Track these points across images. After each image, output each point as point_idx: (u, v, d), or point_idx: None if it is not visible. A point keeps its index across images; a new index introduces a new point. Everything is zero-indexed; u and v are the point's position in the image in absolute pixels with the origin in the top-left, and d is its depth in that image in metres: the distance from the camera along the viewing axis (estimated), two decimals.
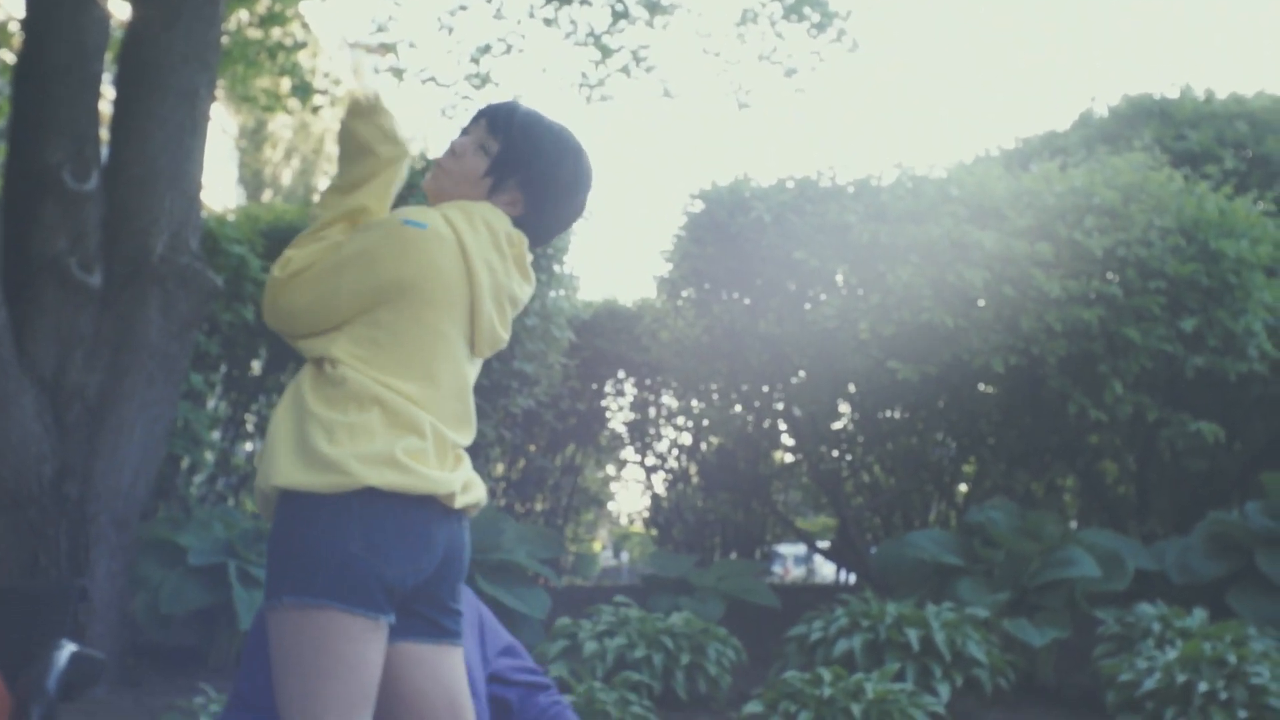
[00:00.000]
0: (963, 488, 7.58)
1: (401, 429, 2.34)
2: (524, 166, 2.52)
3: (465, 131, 2.56)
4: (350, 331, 2.41)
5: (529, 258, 2.56)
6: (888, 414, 7.20)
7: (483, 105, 2.60)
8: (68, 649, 3.28)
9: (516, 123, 2.53)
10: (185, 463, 6.70)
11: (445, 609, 2.46)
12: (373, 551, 2.28)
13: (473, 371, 2.54)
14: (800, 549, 11.25)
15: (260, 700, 2.81)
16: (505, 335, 2.54)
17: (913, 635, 4.88)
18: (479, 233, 2.46)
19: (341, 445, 2.28)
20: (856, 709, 4.42)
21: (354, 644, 2.28)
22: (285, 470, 2.30)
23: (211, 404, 6.97)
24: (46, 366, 5.15)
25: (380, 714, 2.44)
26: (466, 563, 2.48)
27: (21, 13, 5.64)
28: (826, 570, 9.70)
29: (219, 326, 6.37)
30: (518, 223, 2.56)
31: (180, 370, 5.45)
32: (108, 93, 5.54)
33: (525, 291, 2.57)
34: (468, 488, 2.44)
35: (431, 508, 2.35)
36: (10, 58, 6.79)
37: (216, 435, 7.03)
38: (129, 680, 5.24)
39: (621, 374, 8.27)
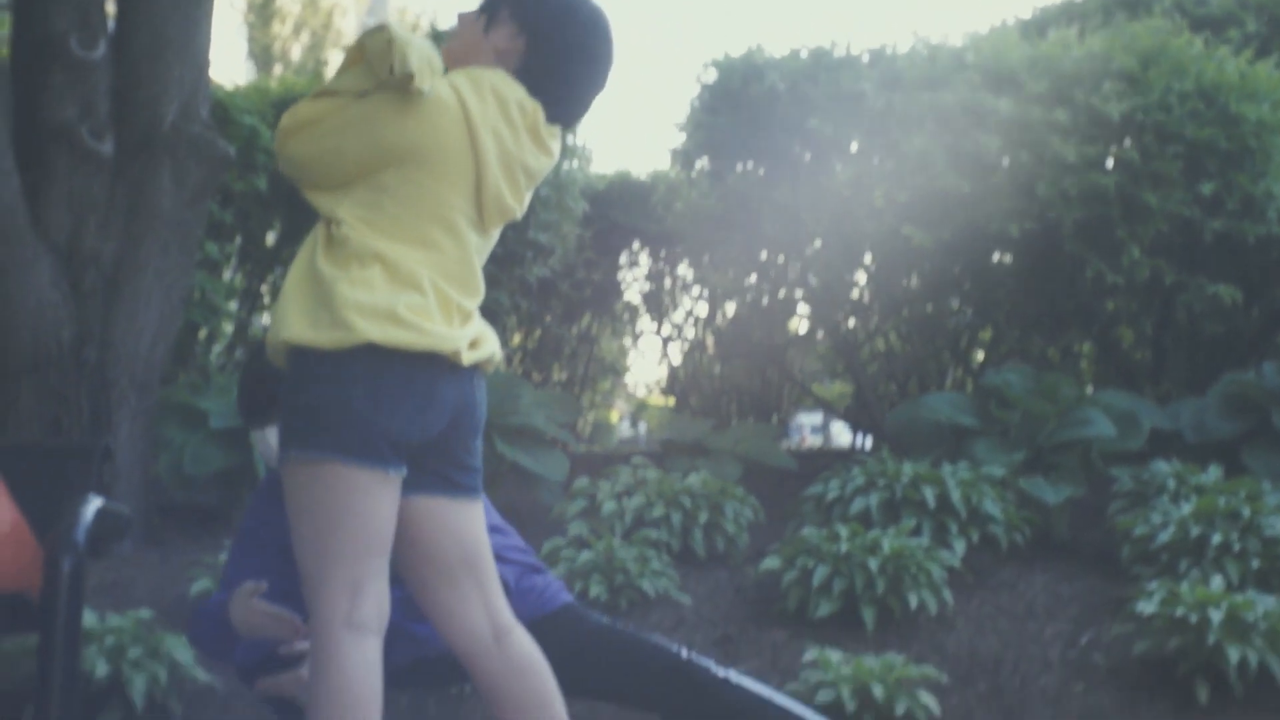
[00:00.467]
0: (979, 354, 7.59)
1: (402, 284, 2.36)
2: None
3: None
4: (355, 193, 2.43)
5: (545, 128, 2.54)
6: (903, 282, 7.19)
7: None
8: (95, 503, 3.33)
9: None
10: (203, 333, 6.75)
11: (460, 464, 2.51)
12: (375, 406, 2.33)
13: (483, 243, 2.53)
14: (816, 419, 11.29)
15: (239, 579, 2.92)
16: (517, 206, 2.53)
17: (929, 493, 4.93)
18: (486, 101, 2.45)
19: (343, 302, 2.31)
20: (873, 563, 4.49)
21: (360, 496, 2.34)
22: (292, 326, 2.35)
23: (227, 275, 7.01)
24: (60, 233, 5.18)
25: (400, 566, 2.49)
26: (481, 420, 2.53)
27: None
28: (843, 440, 9.74)
29: (232, 197, 6.37)
30: (532, 88, 2.52)
31: (195, 239, 5.49)
32: None
33: (541, 163, 2.55)
34: (477, 344, 2.47)
35: (437, 364, 2.39)
36: None
37: (234, 306, 7.07)
38: (154, 539, 5.33)
39: (636, 245, 8.26)
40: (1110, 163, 5.93)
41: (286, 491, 2.41)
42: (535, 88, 2.52)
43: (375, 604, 2.39)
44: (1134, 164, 5.88)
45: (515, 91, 2.49)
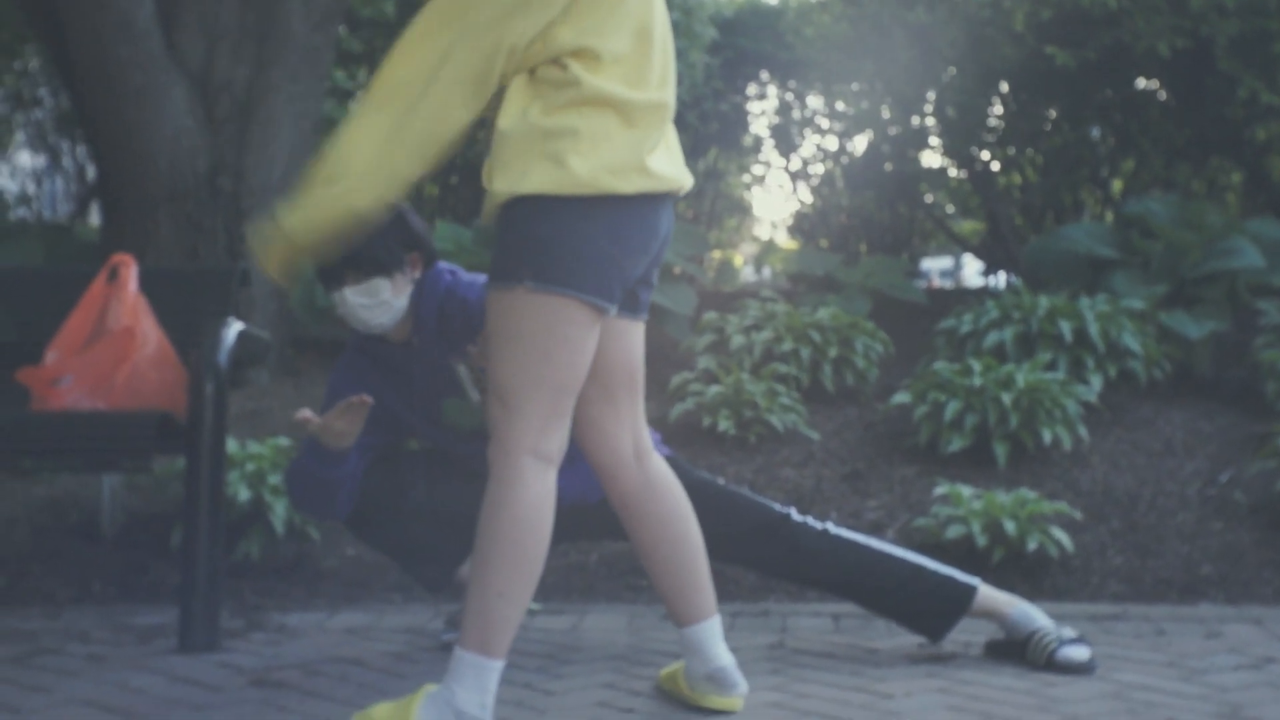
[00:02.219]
0: (1119, 187, 7.34)
1: (632, 127, 2.42)
2: None
3: None
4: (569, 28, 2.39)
5: None
6: (1042, 110, 6.94)
7: None
8: (235, 326, 3.40)
9: None
10: None
11: (649, 285, 2.63)
12: (619, 246, 2.42)
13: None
14: (946, 262, 11.10)
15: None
16: None
17: (1065, 327, 4.81)
18: None
19: (588, 158, 2.36)
20: (1007, 398, 4.40)
21: (581, 330, 2.42)
22: (531, 179, 2.36)
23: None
24: (195, 59, 5.20)
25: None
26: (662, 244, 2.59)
27: None
28: (974, 283, 9.57)
29: (360, 23, 6.33)
30: None
31: (324, 64, 5.45)
32: None
33: None
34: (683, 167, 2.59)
35: (664, 200, 2.50)
36: None
37: None
38: (289, 369, 5.44)
39: (765, 76, 8.07)
40: None
41: (500, 318, 2.44)
42: None
43: (560, 439, 2.47)
44: None
45: None
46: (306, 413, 2.84)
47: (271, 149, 5.28)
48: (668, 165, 2.50)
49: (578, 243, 2.38)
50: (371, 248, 2.88)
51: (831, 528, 3.15)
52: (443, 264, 3.03)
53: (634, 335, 2.65)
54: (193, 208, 5.13)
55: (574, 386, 2.46)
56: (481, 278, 2.94)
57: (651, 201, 2.46)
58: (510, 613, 2.41)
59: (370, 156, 2.38)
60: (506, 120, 2.39)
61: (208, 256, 5.12)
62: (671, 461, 3.07)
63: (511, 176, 2.38)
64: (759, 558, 3.18)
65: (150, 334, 3.46)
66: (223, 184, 5.18)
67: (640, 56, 2.45)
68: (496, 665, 2.42)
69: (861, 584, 3.13)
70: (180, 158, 5.10)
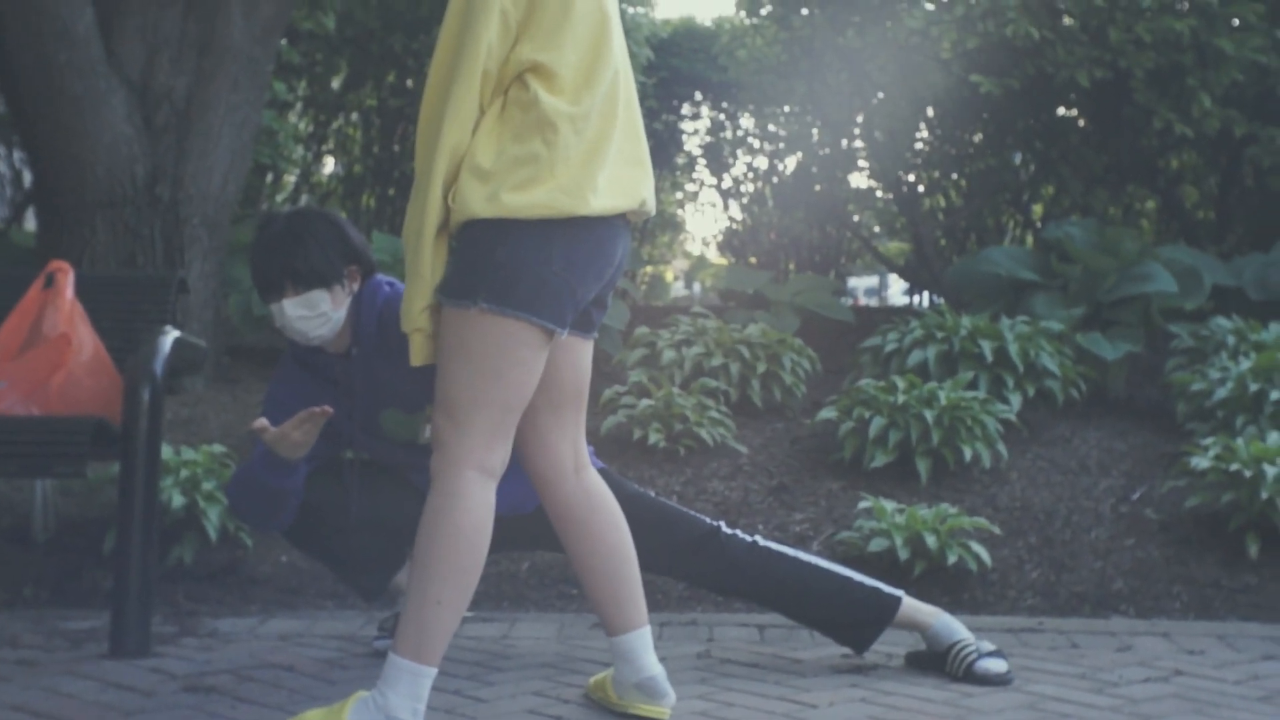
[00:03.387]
0: (1040, 211, 7.53)
1: (591, 146, 2.48)
2: None
3: None
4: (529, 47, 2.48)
5: None
6: (967, 135, 7.12)
7: None
8: (172, 334, 3.43)
9: None
10: (269, 176, 6.81)
11: (602, 306, 2.69)
12: (572, 270, 2.48)
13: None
14: (872, 281, 11.28)
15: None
16: None
17: (986, 347, 4.95)
18: None
19: (547, 182, 2.44)
20: (929, 415, 4.52)
21: (532, 351, 2.50)
22: (499, 204, 2.43)
23: (293, 119, 7.03)
24: (134, 67, 5.20)
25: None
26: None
27: None
28: (899, 301, 9.73)
29: (300, 36, 6.35)
30: None
31: (264, 75, 5.47)
32: None
33: None
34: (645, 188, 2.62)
35: (619, 223, 2.56)
36: None
37: (300, 150, 7.10)
38: (225, 378, 5.45)
39: (698, 95, 8.19)
40: (1186, 6, 5.80)
41: (453, 334, 2.49)
42: None
43: (503, 454, 2.55)
44: (1211, 8, 5.74)
45: None
46: (263, 422, 2.86)
47: (211, 158, 5.29)
48: (626, 187, 2.54)
49: (533, 266, 2.44)
50: (310, 260, 2.92)
51: (760, 541, 3.23)
52: (380, 276, 3.07)
53: (584, 352, 2.72)
54: (130, 215, 5.13)
55: (520, 405, 2.54)
56: None
57: (607, 224, 2.51)
58: (446, 621, 2.47)
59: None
60: (486, 159, 2.45)
61: (145, 264, 5.12)
62: (604, 474, 3.14)
63: (476, 199, 2.43)
64: (690, 569, 3.25)
65: (86, 340, 3.48)
66: (161, 192, 5.19)
67: (594, 71, 2.51)
68: (430, 672, 2.47)
69: (789, 596, 3.21)
70: (118, 165, 5.10)
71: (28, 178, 7.01)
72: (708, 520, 3.23)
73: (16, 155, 7.47)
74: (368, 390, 3.05)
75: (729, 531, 3.21)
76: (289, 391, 3.11)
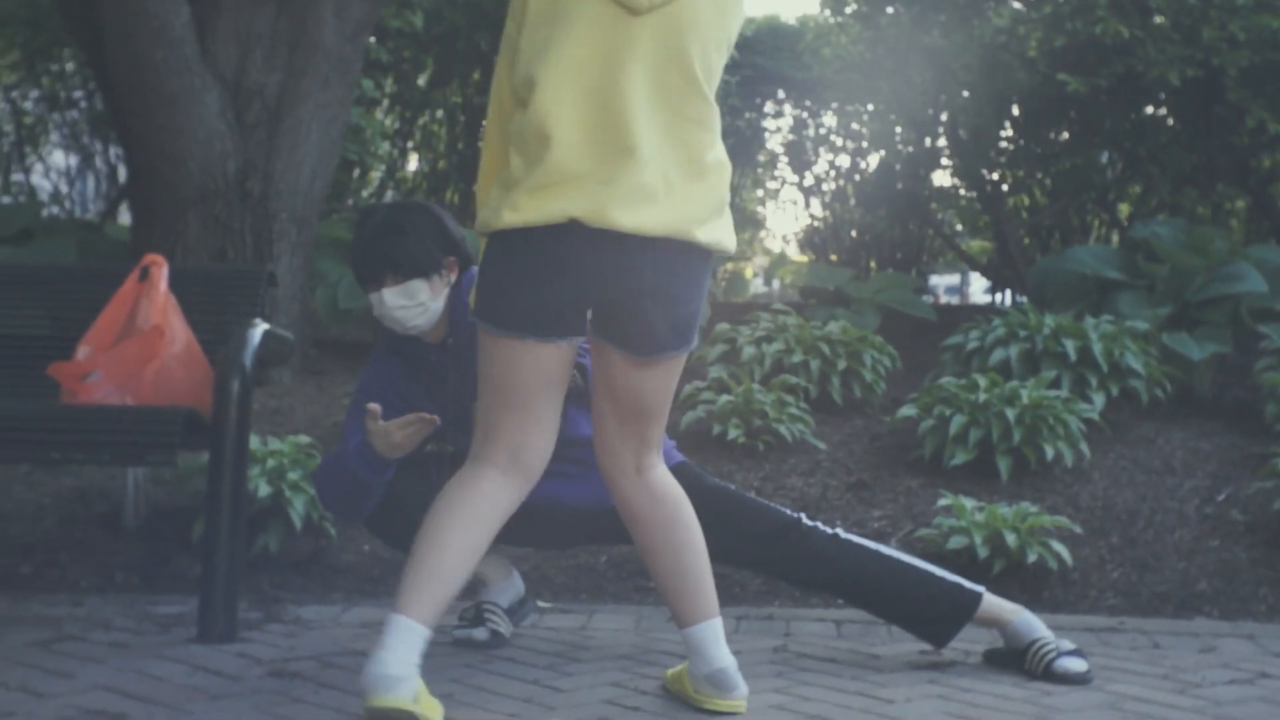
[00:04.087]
0: (1125, 210, 7.44)
1: (523, 157, 2.58)
2: None
3: None
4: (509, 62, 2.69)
5: None
6: (1052, 134, 7.04)
7: None
8: (261, 327, 3.50)
9: None
10: (356, 172, 6.91)
11: (643, 326, 2.64)
12: (514, 279, 2.60)
13: (642, 39, 2.56)
14: (953, 279, 11.19)
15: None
16: None
17: (1070, 345, 4.90)
18: None
19: (502, 196, 2.60)
20: (1010, 413, 4.49)
21: (506, 354, 2.65)
22: (480, 219, 2.65)
23: (380, 116, 7.13)
24: (228, 65, 5.32)
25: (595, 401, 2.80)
26: (653, 290, 2.60)
27: None
28: (981, 300, 9.64)
29: (388, 34, 6.45)
30: None
31: (354, 73, 5.57)
32: None
33: None
34: (632, 205, 2.55)
35: (560, 235, 2.56)
36: None
37: (386, 146, 7.20)
38: (311, 370, 5.55)
39: (781, 94, 8.18)
40: None
41: None
42: None
43: (508, 448, 2.68)
44: None
45: None
46: (376, 408, 2.93)
47: (300, 154, 5.39)
48: (555, 202, 2.54)
49: (490, 278, 2.65)
50: (410, 250, 3.01)
51: (841, 533, 3.23)
52: (477, 268, 3.12)
53: (641, 373, 2.70)
54: (221, 210, 5.25)
55: (511, 403, 2.67)
56: None
57: (549, 234, 2.55)
58: (421, 576, 2.60)
59: None
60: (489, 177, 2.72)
61: (235, 257, 5.24)
62: (684, 467, 3.17)
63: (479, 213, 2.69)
64: (770, 561, 3.25)
65: (179, 332, 3.57)
66: (251, 187, 5.30)
67: (572, 91, 2.54)
68: (401, 619, 2.55)
69: (870, 589, 3.21)
70: (211, 161, 5.22)
71: (123, 172, 7.19)
72: (789, 512, 3.24)
73: (112, 151, 7.67)
74: (461, 381, 3.10)
75: (810, 523, 3.21)
76: (382, 381, 3.19)
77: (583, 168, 2.54)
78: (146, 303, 3.57)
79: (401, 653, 2.51)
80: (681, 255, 2.61)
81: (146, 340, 3.51)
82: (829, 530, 3.22)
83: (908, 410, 4.76)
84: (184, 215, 5.24)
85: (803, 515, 3.24)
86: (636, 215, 2.54)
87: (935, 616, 3.19)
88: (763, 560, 3.27)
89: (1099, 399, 4.81)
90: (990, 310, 6.89)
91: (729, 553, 3.09)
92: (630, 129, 2.54)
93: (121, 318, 3.57)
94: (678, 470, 3.10)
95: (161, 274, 3.59)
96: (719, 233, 2.66)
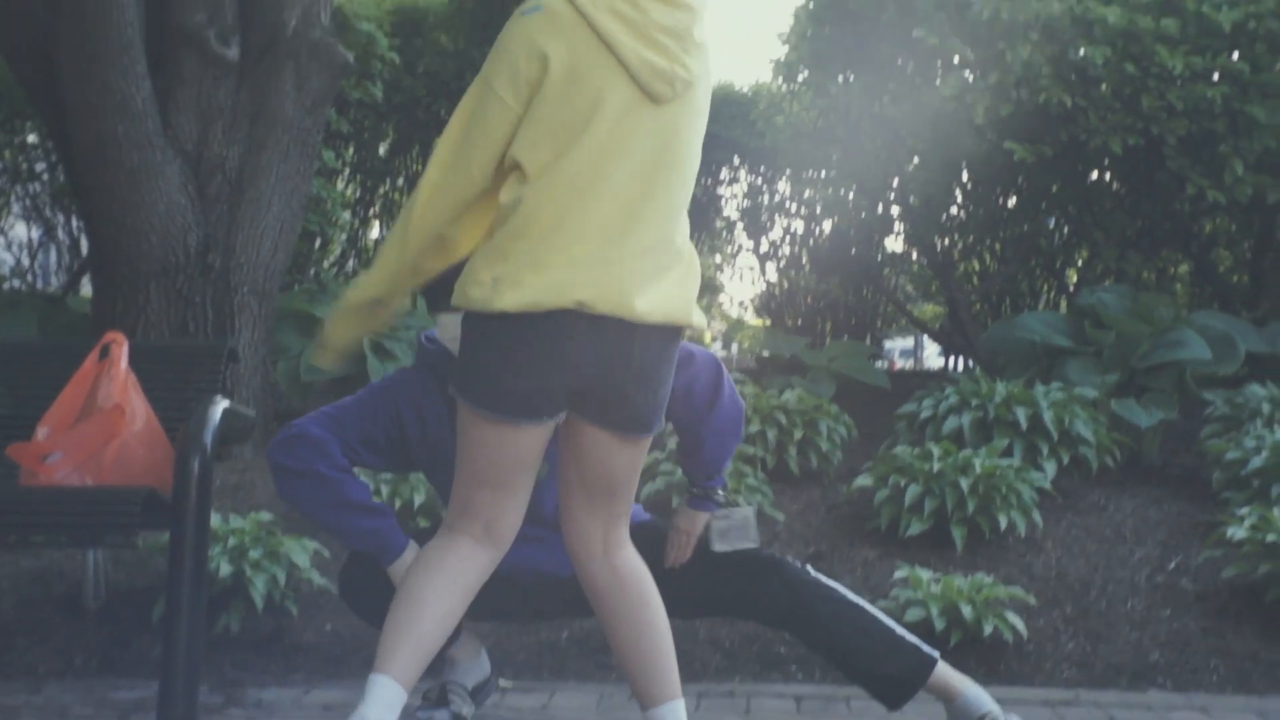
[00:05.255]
0: (1074, 274, 7.57)
1: (526, 241, 2.53)
2: None
3: None
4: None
5: None
6: (1001, 200, 7.18)
7: None
8: (221, 404, 3.51)
9: None
10: (318, 241, 6.94)
11: (619, 404, 2.65)
12: (507, 363, 2.56)
13: (663, 123, 2.57)
14: (907, 342, 11.32)
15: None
16: (677, 66, 2.58)
17: (1021, 413, 4.99)
18: None
19: (491, 272, 2.54)
20: (964, 483, 4.56)
21: (486, 433, 2.64)
22: (462, 295, 2.60)
23: (341, 186, 7.17)
24: (189, 138, 5.35)
25: (560, 476, 2.79)
26: (645, 371, 2.63)
27: None
28: (934, 363, 9.75)
29: (348, 105, 6.49)
30: None
31: (314, 145, 5.61)
32: None
33: (678, 17, 2.59)
34: (630, 293, 2.55)
35: (557, 321, 2.53)
36: None
37: (347, 215, 7.23)
38: None
39: (736, 160, 8.29)
40: (1217, 75, 5.85)
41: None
42: None
43: (485, 520, 2.69)
44: (1243, 76, 5.80)
45: None
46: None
47: (261, 226, 5.42)
48: (561, 285, 2.51)
49: (481, 360, 2.60)
50: None
51: (813, 571, 3.24)
52: None
53: (612, 448, 2.70)
54: (183, 283, 5.26)
55: (491, 481, 2.67)
56: None
57: (552, 319, 2.52)
58: (400, 637, 2.62)
59: None
60: (470, 247, 2.66)
61: (196, 330, 5.24)
62: (651, 525, 3.22)
63: (461, 287, 2.61)
64: (748, 599, 3.21)
65: (139, 411, 3.56)
66: (213, 260, 5.32)
67: (586, 173, 2.53)
68: (380, 679, 2.57)
69: (841, 630, 3.17)
70: (172, 234, 5.24)
71: (85, 244, 7.18)
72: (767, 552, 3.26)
73: (75, 223, 7.66)
74: None
75: (788, 559, 3.24)
76: (400, 397, 3.17)
77: (589, 250, 2.53)
78: (107, 381, 3.57)
79: (382, 710, 2.52)
80: (671, 338, 2.64)
81: (107, 419, 3.50)
82: (805, 566, 3.24)
83: (863, 480, 4.82)
84: (145, 289, 5.25)
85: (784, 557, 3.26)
86: (643, 301, 2.55)
87: (894, 674, 3.16)
88: (741, 600, 3.23)
89: (1050, 467, 4.89)
90: (943, 376, 6.99)
91: (708, 599, 3.11)
92: (637, 214, 2.56)
93: (81, 397, 3.57)
94: (646, 527, 3.17)
95: (122, 352, 3.59)
96: (700, 313, 2.71)
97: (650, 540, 3.15)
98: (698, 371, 3.09)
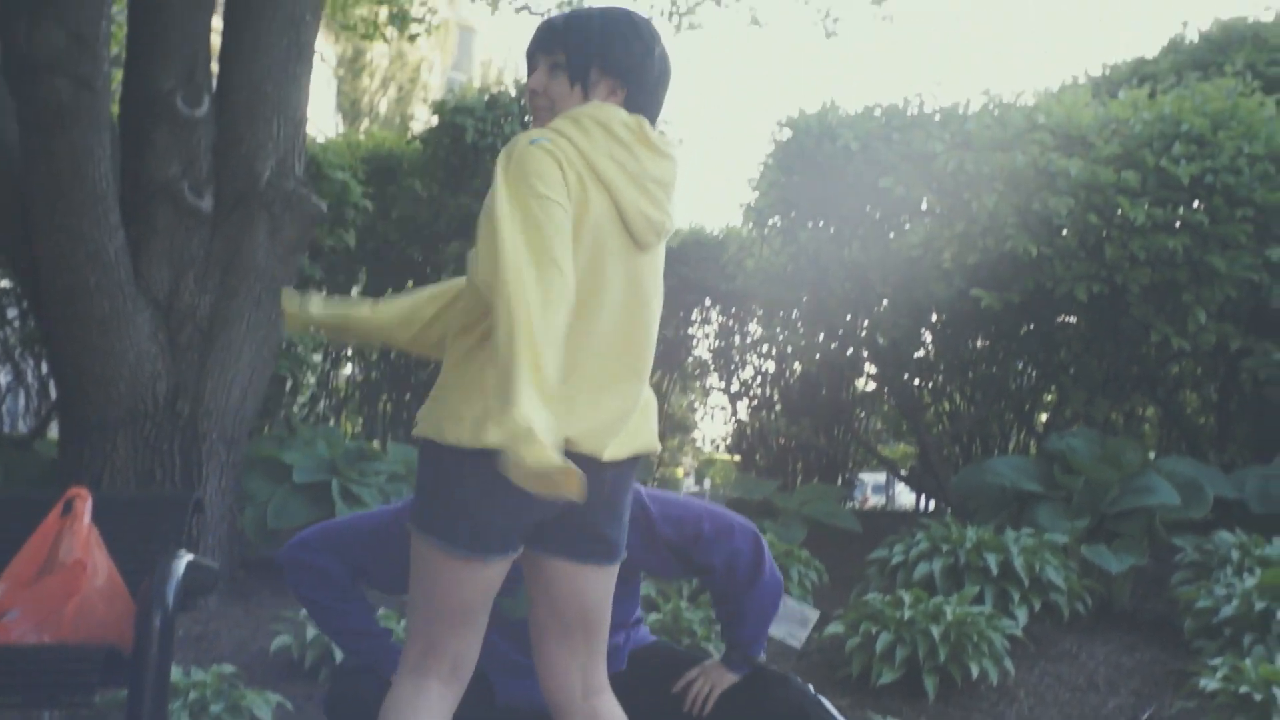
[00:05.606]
0: (1042, 416, 7.63)
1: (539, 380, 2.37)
2: (598, 53, 2.57)
3: (528, 71, 2.63)
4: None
5: (654, 134, 2.60)
6: (970, 343, 7.26)
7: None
8: (185, 558, 3.48)
9: (570, 27, 2.60)
10: (289, 384, 6.95)
11: (588, 535, 2.63)
12: (490, 501, 2.48)
13: (643, 271, 2.57)
14: (880, 477, 11.35)
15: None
16: (664, 217, 2.59)
17: (992, 560, 4.99)
18: (591, 132, 2.52)
19: (473, 408, 2.46)
20: (936, 630, 4.55)
21: (450, 573, 2.55)
22: (432, 427, 2.51)
23: (312, 329, 7.19)
24: (161, 288, 5.39)
25: (531, 614, 2.71)
26: (616, 502, 2.61)
27: None
28: (906, 499, 9.76)
29: (321, 251, 6.56)
30: (632, 109, 2.60)
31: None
32: (216, 21, 5.70)
33: (665, 167, 2.61)
34: (604, 433, 2.52)
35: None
36: None
37: (318, 358, 7.26)
38: (238, 592, 5.49)
39: (707, 302, 8.38)
40: (1178, 225, 5.98)
41: (410, 550, 2.61)
42: (636, 108, 2.62)
43: (451, 660, 2.60)
44: (1202, 227, 5.93)
45: (615, 114, 2.56)
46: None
47: (231, 374, 5.44)
48: (583, 423, 2.46)
49: (448, 492, 2.49)
50: None
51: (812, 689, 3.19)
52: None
53: (584, 578, 2.66)
54: (150, 431, 5.26)
55: (452, 619, 2.58)
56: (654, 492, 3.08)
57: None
58: None
59: None
60: (452, 374, 2.54)
61: (163, 479, 5.22)
62: (659, 645, 3.21)
63: (427, 418, 2.52)
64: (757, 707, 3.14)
65: (101, 566, 3.53)
66: (182, 408, 5.32)
67: (576, 311, 2.44)
68: None
69: None
70: (141, 382, 5.25)
71: (54, 389, 7.19)
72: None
73: (44, 366, 7.67)
74: None
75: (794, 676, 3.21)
76: None
77: (577, 390, 2.50)
78: (69, 536, 3.54)
79: None
80: (635, 465, 2.63)
81: (68, 575, 3.47)
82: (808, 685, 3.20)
83: (834, 627, 4.80)
84: (112, 438, 5.24)
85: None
86: (620, 437, 2.54)
87: None
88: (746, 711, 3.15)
89: (1022, 613, 4.88)
90: (915, 517, 6.99)
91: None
92: (619, 355, 2.56)
93: (43, 553, 3.53)
94: (657, 649, 3.16)
95: (85, 507, 3.57)
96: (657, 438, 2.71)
97: (662, 662, 3.14)
98: (739, 547, 3.07)
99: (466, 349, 2.53)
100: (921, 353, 7.32)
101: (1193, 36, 8.49)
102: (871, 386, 7.90)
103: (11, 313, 7.56)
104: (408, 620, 2.64)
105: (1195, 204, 6.02)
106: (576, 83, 2.59)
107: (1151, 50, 8.66)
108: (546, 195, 2.39)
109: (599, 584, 2.68)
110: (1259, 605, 4.61)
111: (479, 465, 2.42)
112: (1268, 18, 8.34)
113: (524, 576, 2.71)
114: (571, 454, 2.42)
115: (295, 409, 7.17)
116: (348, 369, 8.00)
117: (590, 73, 2.58)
